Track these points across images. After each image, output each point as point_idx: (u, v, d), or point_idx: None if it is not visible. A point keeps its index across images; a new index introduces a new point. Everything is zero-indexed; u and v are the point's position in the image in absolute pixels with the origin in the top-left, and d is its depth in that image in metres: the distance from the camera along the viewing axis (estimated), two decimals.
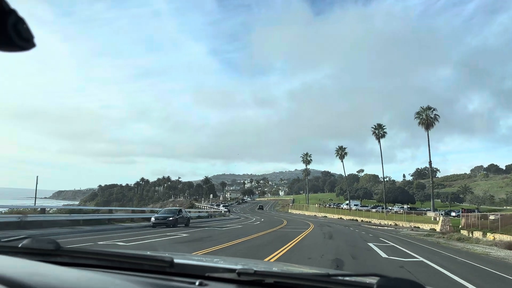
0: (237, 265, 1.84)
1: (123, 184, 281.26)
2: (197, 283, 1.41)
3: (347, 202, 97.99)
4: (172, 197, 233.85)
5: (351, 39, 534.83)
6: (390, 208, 78.55)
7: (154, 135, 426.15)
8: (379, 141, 73.72)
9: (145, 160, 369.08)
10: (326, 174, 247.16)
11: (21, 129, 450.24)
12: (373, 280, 1.32)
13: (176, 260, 1.56)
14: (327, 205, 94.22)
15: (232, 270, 1.56)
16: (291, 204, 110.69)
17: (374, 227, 47.86)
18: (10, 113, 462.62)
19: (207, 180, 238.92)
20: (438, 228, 41.62)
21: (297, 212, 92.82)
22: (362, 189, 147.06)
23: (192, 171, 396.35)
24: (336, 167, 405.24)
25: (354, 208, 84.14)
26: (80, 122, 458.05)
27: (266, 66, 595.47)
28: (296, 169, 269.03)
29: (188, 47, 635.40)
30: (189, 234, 20.69)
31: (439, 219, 47.10)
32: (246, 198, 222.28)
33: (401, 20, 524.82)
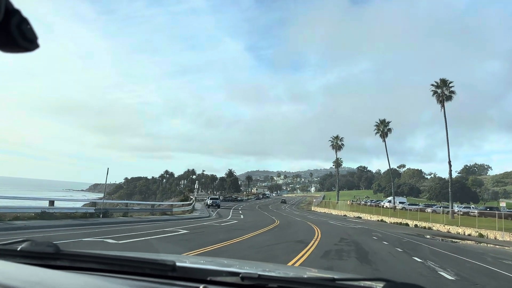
0: (241, 268, 1.75)
1: (149, 177, 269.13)
2: (200, 287, 1.38)
3: (389, 199, 74.19)
4: (194, 191, 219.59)
5: (392, 29, 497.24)
6: (458, 208, 54.45)
7: (190, 131, 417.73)
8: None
9: (181, 156, 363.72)
10: (362, 169, 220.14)
11: (61, 123, 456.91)
12: (379, 284, 1.28)
13: (178, 264, 1.50)
14: (362, 202, 70.40)
15: (235, 274, 1.48)
16: (314, 200, 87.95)
17: (460, 242, 25.13)
18: (52, 107, 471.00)
19: (230, 173, 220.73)
20: None
21: (323, 210, 70.40)
22: (407, 185, 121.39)
23: (226, 167, 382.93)
24: (373, 165, 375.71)
25: (399, 206, 60.51)
26: (119, 117, 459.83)
27: (301, 61, 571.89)
28: (330, 167, 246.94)
29: (224, 44, 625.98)
30: None
31: None
32: (269, 193, 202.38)
33: (447, 8, 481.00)
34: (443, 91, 48.80)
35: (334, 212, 65.05)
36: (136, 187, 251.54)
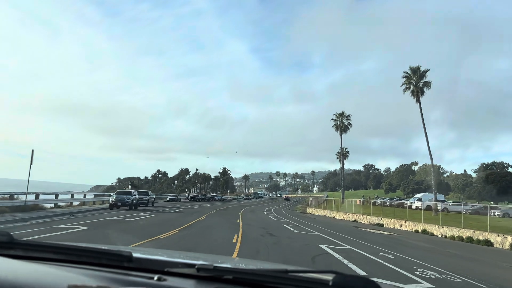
0: (197, 260, 1.73)
1: (142, 177, 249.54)
2: (155, 278, 1.35)
3: (419, 196, 52.11)
4: (186, 190, 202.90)
5: (398, 26, 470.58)
6: None
7: (194, 132, 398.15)
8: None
9: (185, 157, 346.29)
10: (369, 167, 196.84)
11: (66, 125, 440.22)
12: (329, 277, 1.28)
13: (135, 255, 1.50)
14: (378, 202, 47.33)
15: (191, 266, 1.47)
16: (311, 199, 64.96)
17: None
18: (57, 109, 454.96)
19: (224, 172, 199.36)
20: None
21: (322, 213, 48.09)
22: (429, 181, 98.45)
23: (231, 169, 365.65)
24: (380, 165, 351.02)
25: (440, 207, 38.23)
26: (123, 119, 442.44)
27: (306, 62, 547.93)
28: (335, 169, 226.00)
29: (228, 46, 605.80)
30: None
31: None
32: (264, 193, 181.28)
33: (457, 2, 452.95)
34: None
35: (338, 215, 42.72)
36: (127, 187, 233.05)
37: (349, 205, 43.04)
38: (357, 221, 37.76)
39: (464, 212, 39.71)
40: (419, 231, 27.67)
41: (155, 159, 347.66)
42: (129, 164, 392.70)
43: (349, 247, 14.46)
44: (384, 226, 32.47)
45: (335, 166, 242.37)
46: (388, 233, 26.20)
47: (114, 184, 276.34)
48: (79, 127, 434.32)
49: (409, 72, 39.92)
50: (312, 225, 26.94)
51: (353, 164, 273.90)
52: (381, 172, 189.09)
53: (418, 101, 39.16)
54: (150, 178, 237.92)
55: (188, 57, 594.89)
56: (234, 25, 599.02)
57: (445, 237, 24.73)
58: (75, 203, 28.70)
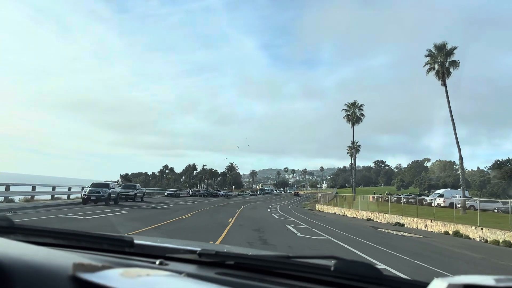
0: (199, 247, 1.68)
1: (149, 173, 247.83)
2: (157, 263, 1.37)
3: (440, 192, 47.36)
4: (188, 185, 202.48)
5: (412, 19, 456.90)
6: None
7: (203, 129, 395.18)
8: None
9: (195, 154, 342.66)
10: (380, 164, 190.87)
11: (77, 121, 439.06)
12: (331, 262, 1.29)
13: (136, 241, 1.50)
14: (394, 198, 42.17)
15: (193, 252, 1.49)
16: (320, 195, 60.00)
17: None
18: (68, 106, 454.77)
19: (231, 168, 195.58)
20: None
21: (332, 210, 43.37)
22: (450, 176, 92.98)
23: (240, 166, 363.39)
24: (389, 161, 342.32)
25: (479, 205, 33.62)
26: (133, 115, 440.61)
27: (316, 57, 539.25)
28: (344, 166, 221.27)
29: (238, 42, 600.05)
30: None
31: None
32: (271, 189, 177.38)
33: None
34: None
35: (350, 212, 38.04)
36: (137, 183, 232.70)
37: (363, 202, 38.25)
38: (373, 220, 33.11)
39: (495, 210, 34.83)
40: (450, 233, 22.93)
41: (164, 155, 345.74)
42: (139, 160, 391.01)
43: (375, 261, 9.93)
44: (406, 226, 27.77)
45: (344, 162, 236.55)
46: (413, 235, 21.55)
47: (120, 180, 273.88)
48: (89, 123, 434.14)
49: (433, 50, 34.79)
50: (321, 226, 22.41)
51: (363, 161, 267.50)
52: (392, 168, 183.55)
53: (444, 84, 34.10)
54: (157, 173, 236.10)
55: (197, 54, 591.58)
56: (244, 21, 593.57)
57: (486, 241, 20.00)
58: (42, 197, 24.54)
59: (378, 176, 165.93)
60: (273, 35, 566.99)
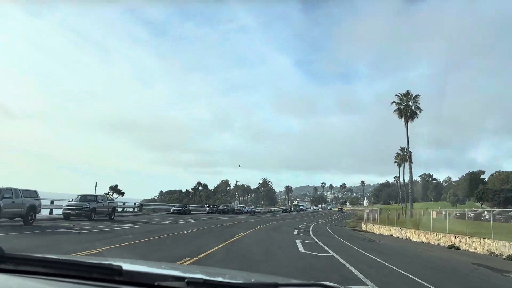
0: (187, 273, 1.71)
1: (183, 191, 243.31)
2: None
3: None
4: (205, 201, 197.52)
5: (452, 30, 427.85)
6: None
7: (238, 146, 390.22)
8: None
9: (231, 171, 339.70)
10: (427, 177, 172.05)
11: (119, 141, 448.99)
12: None
13: (125, 268, 1.48)
14: (484, 213, 28.82)
15: (182, 279, 1.47)
16: (367, 211, 46.47)
17: None
18: (110, 127, 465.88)
19: (265, 184, 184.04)
20: None
21: (387, 231, 30.77)
22: None
23: (276, 182, 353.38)
24: (435, 176, 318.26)
25: None
26: (172, 134, 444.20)
27: (351, 72, 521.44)
28: (387, 180, 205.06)
29: (273, 59, 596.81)
30: None
31: None
32: (307, 206, 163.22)
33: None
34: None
35: (416, 235, 25.36)
36: (170, 200, 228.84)
37: (437, 220, 25.45)
38: (459, 248, 20.68)
39: None
40: None
41: (201, 172, 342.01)
42: (177, 177, 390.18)
43: None
44: None
45: (385, 178, 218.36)
46: None
47: (156, 197, 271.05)
48: (130, 143, 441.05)
49: None
50: (388, 269, 10.58)
51: (407, 175, 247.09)
52: (440, 182, 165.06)
53: None
54: (191, 190, 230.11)
55: (232, 72, 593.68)
56: (278, 38, 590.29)
57: None
58: None
59: (427, 191, 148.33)
60: (307, 51, 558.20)
